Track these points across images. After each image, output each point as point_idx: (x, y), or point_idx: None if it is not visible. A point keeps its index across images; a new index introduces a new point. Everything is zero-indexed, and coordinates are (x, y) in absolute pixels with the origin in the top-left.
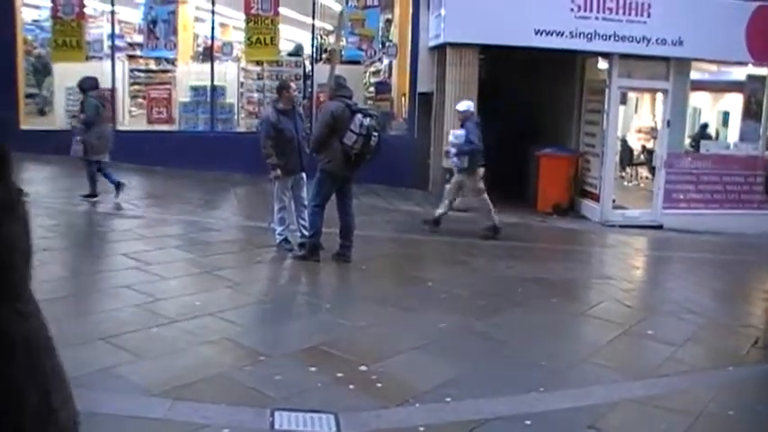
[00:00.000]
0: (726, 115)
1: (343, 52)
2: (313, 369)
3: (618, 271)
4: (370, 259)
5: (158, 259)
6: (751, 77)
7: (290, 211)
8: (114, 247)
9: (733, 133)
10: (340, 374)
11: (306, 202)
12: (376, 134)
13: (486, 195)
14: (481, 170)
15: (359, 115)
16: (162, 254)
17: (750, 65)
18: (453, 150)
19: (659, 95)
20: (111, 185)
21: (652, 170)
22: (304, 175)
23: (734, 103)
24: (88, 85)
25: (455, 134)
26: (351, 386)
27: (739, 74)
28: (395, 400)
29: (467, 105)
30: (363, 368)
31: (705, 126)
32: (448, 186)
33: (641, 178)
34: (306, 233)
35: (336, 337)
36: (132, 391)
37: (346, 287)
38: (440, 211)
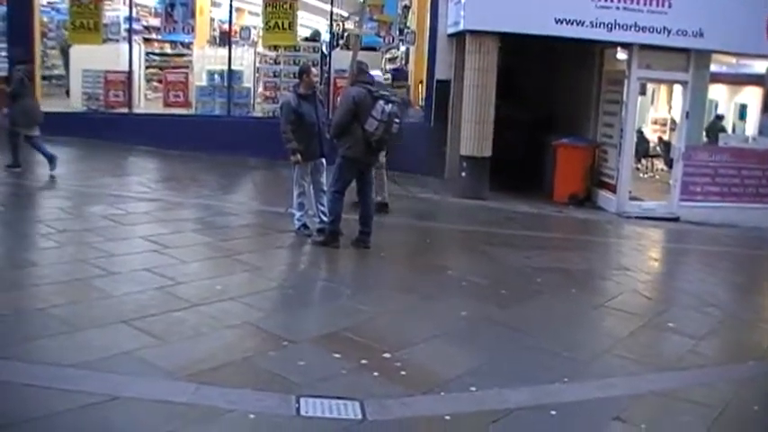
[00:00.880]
0: (743, 108)
1: (386, 37)
2: (337, 355)
3: (636, 262)
4: (389, 246)
5: (177, 243)
6: None
7: (309, 197)
8: (132, 229)
9: (750, 126)
10: (364, 361)
11: (325, 188)
12: (398, 121)
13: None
14: None
15: (381, 101)
16: (180, 237)
17: None
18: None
19: (676, 87)
20: (45, 159)
21: (668, 162)
22: (324, 160)
23: (752, 96)
24: (17, 57)
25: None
26: (375, 373)
27: (759, 67)
28: (420, 388)
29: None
30: (387, 355)
31: (720, 117)
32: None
33: (657, 170)
34: (325, 219)
35: (359, 323)
36: (156, 375)
37: (366, 273)
38: (383, 197)
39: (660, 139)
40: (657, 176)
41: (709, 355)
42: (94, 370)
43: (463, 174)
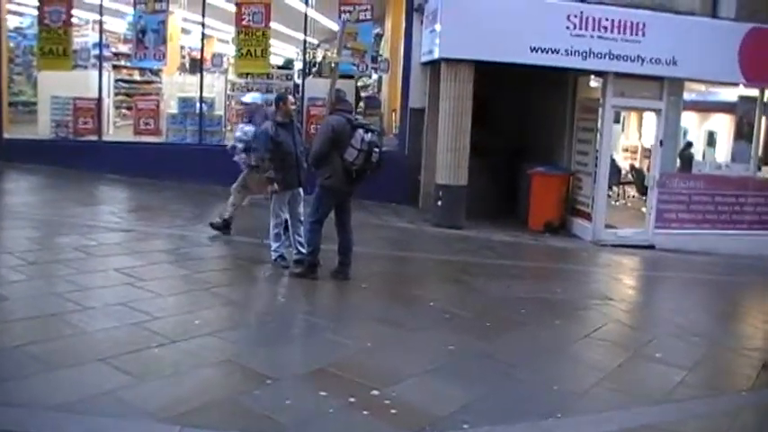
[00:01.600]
0: (712, 135)
1: (360, 65)
2: (323, 393)
3: (616, 291)
4: (368, 277)
5: (152, 275)
6: (743, 98)
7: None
8: (105, 261)
9: (720, 153)
10: (352, 399)
11: (302, 218)
12: (377, 150)
13: (246, 193)
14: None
15: (360, 130)
16: (155, 269)
17: (742, 86)
18: (240, 146)
19: (647, 114)
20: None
21: (641, 189)
22: (301, 190)
23: (720, 123)
24: None
25: (243, 129)
26: (365, 412)
27: (728, 95)
28: (412, 427)
29: (253, 98)
30: (375, 392)
31: (689, 144)
32: (234, 186)
33: (629, 197)
34: (302, 250)
35: (344, 358)
36: (137, 417)
37: (348, 306)
38: (226, 215)
39: (632, 166)
40: (630, 204)
41: (699, 385)
42: (73, 412)
43: (439, 203)
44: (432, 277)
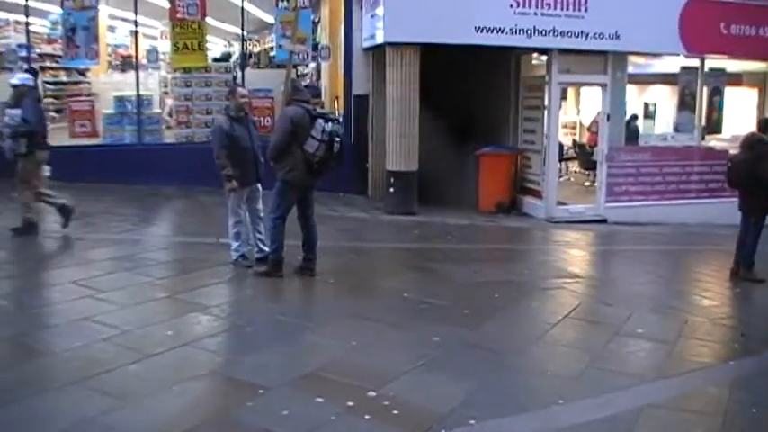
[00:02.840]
0: (647, 107)
1: (305, 52)
2: (320, 399)
3: (581, 268)
4: (334, 271)
5: (112, 285)
6: (684, 69)
7: (245, 225)
8: (59, 274)
9: (659, 125)
10: (350, 403)
11: (262, 215)
12: (338, 140)
13: (33, 189)
14: (43, 154)
15: (320, 120)
16: (114, 279)
17: (683, 57)
18: (8, 132)
19: (584, 90)
20: None
21: (585, 164)
22: (260, 185)
23: (659, 95)
24: None
25: (10, 114)
26: (367, 416)
27: (665, 66)
28: (419, 428)
29: (22, 79)
30: (372, 393)
31: (635, 117)
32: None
33: (571, 173)
34: (264, 248)
35: (331, 360)
36: None
37: (322, 304)
38: (27, 216)
39: (575, 141)
40: (573, 179)
41: (687, 359)
42: None
43: (391, 189)
44: (398, 267)
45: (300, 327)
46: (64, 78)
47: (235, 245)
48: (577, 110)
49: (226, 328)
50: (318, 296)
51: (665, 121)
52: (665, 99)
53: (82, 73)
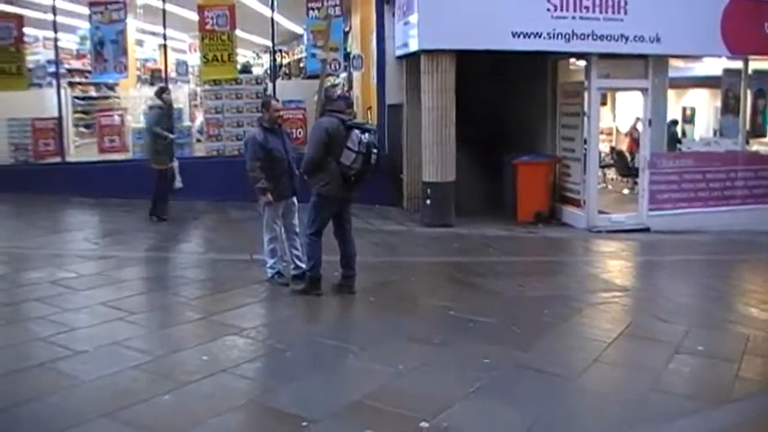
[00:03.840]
0: (684, 111)
1: (337, 62)
2: None
3: (630, 281)
4: (374, 288)
5: (143, 306)
6: (728, 71)
7: (281, 241)
8: (89, 295)
9: (699, 129)
10: None
11: (298, 230)
12: (376, 151)
13: None
14: None
15: (356, 131)
16: (144, 299)
17: (725, 58)
18: None
19: (620, 95)
20: None
21: (623, 171)
22: (295, 199)
23: (698, 99)
24: None
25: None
26: None
27: (704, 69)
28: None
29: None
30: (425, 424)
31: (675, 122)
32: None
33: (609, 180)
34: (300, 264)
35: (378, 386)
36: None
37: (364, 324)
38: None
39: (612, 148)
40: (611, 186)
41: (756, 379)
42: None
43: (428, 201)
44: (440, 282)
45: (343, 350)
46: (93, 93)
47: (270, 262)
48: (613, 115)
49: (264, 353)
50: (359, 316)
51: (704, 126)
52: (703, 103)
53: (111, 87)
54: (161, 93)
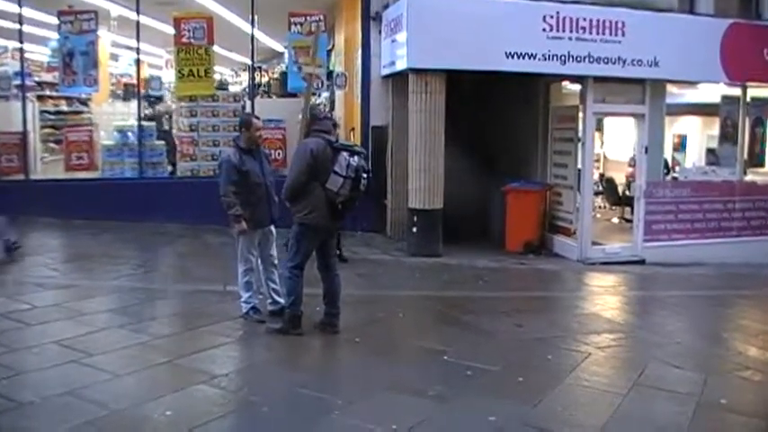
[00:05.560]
0: (683, 139)
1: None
2: None
3: (635, 320)
4: (359, 327)
5: (102, 347)
6: (726, 98)
7: (257, 273)
8: (41, 331)
9: (691, 157)
10: None
11: (276, 261)
12: (365, 176)
13: None
14: None
15: (344, 153)
16: (104, 338)
17: (724, 85)
18: None
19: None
20: None
21: (612, 200)
22: (273, 228)
23: (690, 126)
24: None
25: None
26: None
27: (696, 96)
28: None
29: None
30: None
31: None
32: None
33: (597, 208)
34: (278, 299)
35: None
36: None
37: (350, 371)
38: None
39: (602, 175)
40: (599, 215)
41: None
42: None
43: (414, 229)
44: (431, 320)
45: (326, 404)
46: (64, 108)
47: (245, 296)
48: (601, 141)
49: (236, 407)
50: (344, 361)
51: (695, 155)
52: (696, 130)
53: (84, 102)
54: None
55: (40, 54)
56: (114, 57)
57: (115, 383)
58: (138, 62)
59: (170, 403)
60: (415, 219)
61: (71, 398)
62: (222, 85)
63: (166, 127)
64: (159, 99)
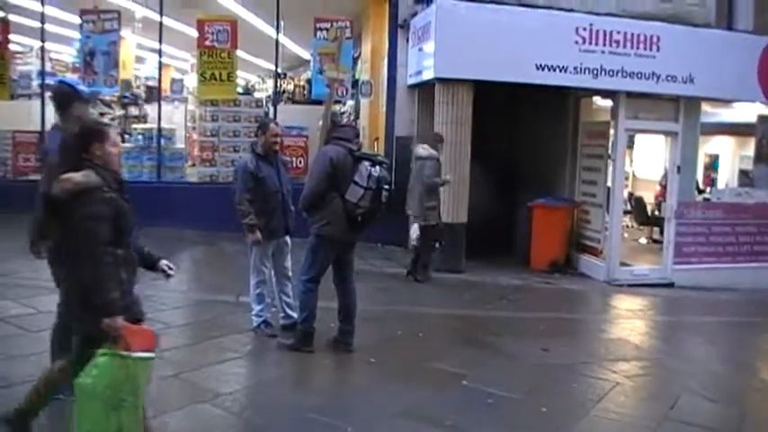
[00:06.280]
0: (714, 159)
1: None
2: None
3: (665, 348)
4: (375, 346)
5: None
6: (763, 118)
7: (270, 285)
8: (42, 338)
9: (722, 178)
10: None
11: (290, 274)
12: (387, 187)
13: None
14: None
15: (365, 163)
16: None
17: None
18: None
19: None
20: None
21: (641, 219)
22: (288, 239)
23: (722, 146)
24: None
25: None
26: None
27: (730, 115)
28: None
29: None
30: None
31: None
32: None
33: (624, 228)
34: (291, 313)
35: None
36: None
37: (363, 394)
38: None
39: (631, 194)
40: (626, 234)
41: None
42: None
43: (436, 244)
44: (451, 341)
45: (335, 430)
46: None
47: (257, 308)
48: (630, 159)
49: (237, 429)
50: (358, 382)
51: (727, 175)
52: (728, 151)
53: (108, 104)
54: (439, 140)
55: (67, 55)
56: (141, 60)
57: None
58: (160, 64)
59: (168, 425)
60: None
61: None
62: (248, 91)
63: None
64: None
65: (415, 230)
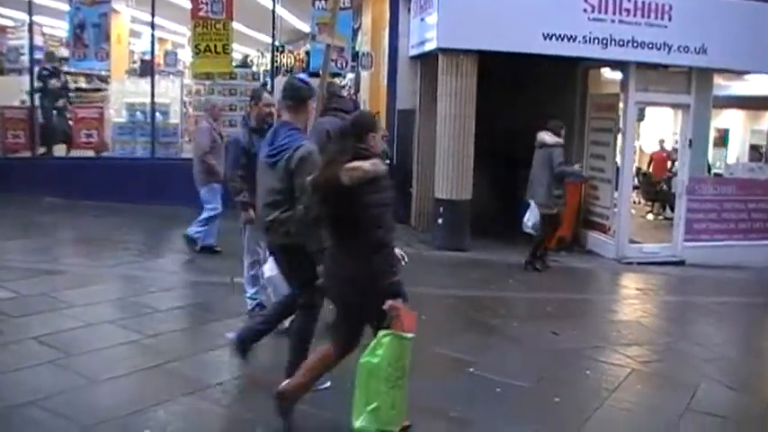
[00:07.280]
0: (724, 133)
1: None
2: None
3: (678, 330)
4: None
5: (87, 345)
6: None
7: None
8: (22, 325)
9: (733, 153)
10: None
11: None
12: (387, 162)
13: None
14: None
15: None
16: (90, 334)
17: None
18: None
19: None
20: None
21: (648, 195)
22: None
23: (733, 120)
24: None
25: None
26: None
27: (741, 88)
28: None
29: None
30: None
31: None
32: None
33: (631, 204)
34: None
35: None
36: None
37: None
38: None
39: (638, 169)
40: (634, 211)
41: None
42: None
43: (440, 221)
44: (455, 324)
45: (331, 425)
46: (83, 85)
47: (251, 291)
48: (637, 134)
49: (227, 427)
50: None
51: (737, 150)
52: (738, 125)
53: (103, 79)
54: (559, 129)
55: (61, 30)
56: (137, 34)
57: (91, 391)
58: (153, 37)
59: (150, 419)
60: (442, 210)
61: (37, 409)
62: (246, 65)
63: (60, 104)
64: (54, 74)
65: (532, 217)
